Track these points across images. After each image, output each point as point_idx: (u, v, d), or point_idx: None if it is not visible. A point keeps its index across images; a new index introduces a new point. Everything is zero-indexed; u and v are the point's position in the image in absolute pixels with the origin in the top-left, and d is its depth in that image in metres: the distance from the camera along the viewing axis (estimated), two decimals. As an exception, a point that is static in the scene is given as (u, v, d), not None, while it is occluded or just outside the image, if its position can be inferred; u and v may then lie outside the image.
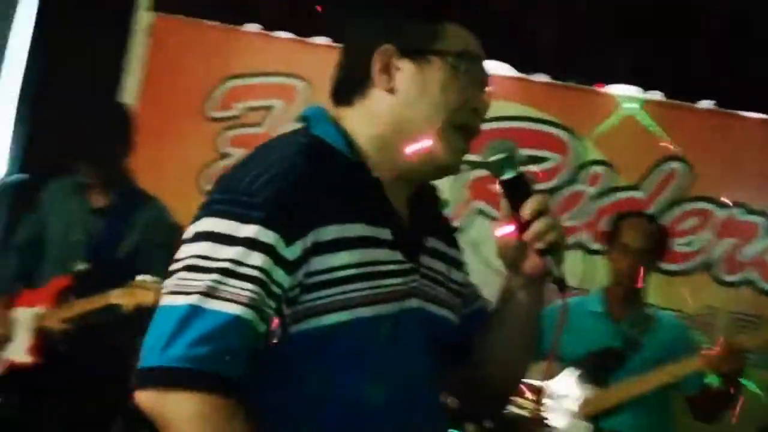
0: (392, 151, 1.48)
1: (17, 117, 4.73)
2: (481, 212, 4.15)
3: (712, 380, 2.98)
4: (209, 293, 1.31)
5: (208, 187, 4.17)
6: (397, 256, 1.46)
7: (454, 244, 1.60)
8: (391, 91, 1.48)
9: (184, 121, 4.37)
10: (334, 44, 4.21)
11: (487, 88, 1.53)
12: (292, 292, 1.36)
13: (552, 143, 4.18)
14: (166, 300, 1.34)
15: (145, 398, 1.29)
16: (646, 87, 4.13)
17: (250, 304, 1.31)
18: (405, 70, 1.48)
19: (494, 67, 4.14)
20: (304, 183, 1.38)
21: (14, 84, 4.81)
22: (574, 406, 3.10)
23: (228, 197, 1.37)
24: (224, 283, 1.31)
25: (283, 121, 4.25)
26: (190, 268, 1.33)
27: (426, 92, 1.47)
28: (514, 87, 4.18)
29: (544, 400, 3.11)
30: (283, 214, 1.34)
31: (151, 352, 1.30)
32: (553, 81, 4.19)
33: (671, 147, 4.08)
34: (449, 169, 1.51)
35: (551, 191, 4.16)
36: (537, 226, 1.44)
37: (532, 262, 1.49)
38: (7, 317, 3.11)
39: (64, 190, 3.27)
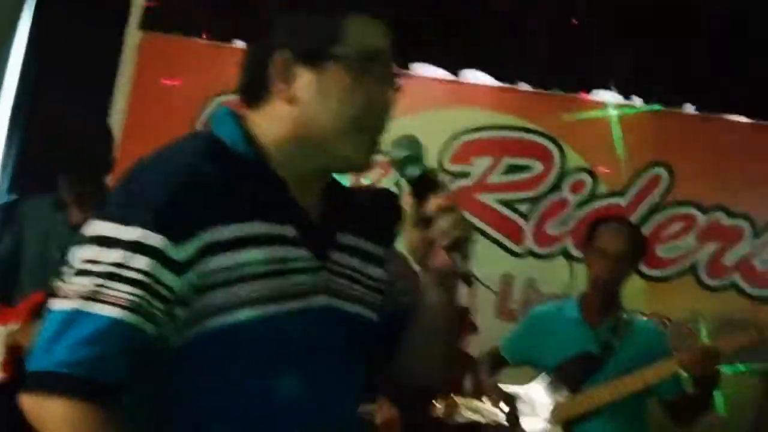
0: (296, 151, 1.48)
1: (9, 135, 4.82)
2: (463, 222, 4.18)
3: (686, 383, 3.00)
4: (91, 297, 1.31)
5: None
6: (303, 252, 1.46)
7: (377, 239, 1.59)
8: (290, 101, 1.46)
9: (172, 138, 4.41)
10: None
11: (394, 82, 1.50)
12: (185, 293, 1.35)
13: (535, 151, 4.21)
14: (54, 304, 1.34)
15: (25, 402, 1.30)
16: (627, 93, 4.15)
17: (131, 308, 1.31)
18: (304, 78, 1.45)
19: (476, 77, 4.19)
20: (194, 184, 1.37)
21: (8, 102, 4.92)
22: (548, 412, 3.12)
23: (117, 200, 1.38)
24: (106, 287, 1.31)
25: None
26: (77, 273, 1.34)
27: (326, 100, 1.46)
28: (496, 96, 4.22)
29: (518, 406, 3.13)
30: (171, 216, 1.34)
31: (34, 356, 1.31)
32: (535, 90, 4.21)
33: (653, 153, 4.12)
34: (356, 168, 1.52)
35: (535, 199, 4.20)
36: (440, 222, 1.45)
37: (439, 259, 1.49)
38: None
39: (42, 207, 3.32)
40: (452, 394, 3.24)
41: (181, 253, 1.34)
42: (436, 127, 4.18)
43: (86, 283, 1.32)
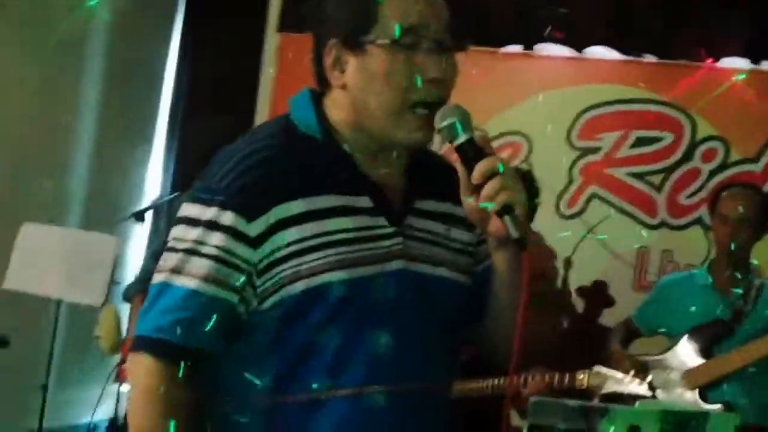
0: (358, 133, 1.53)
1: (168, 138, 5.21)
2: (595, 196, 4.22)
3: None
4: (175, 270, 1.47)
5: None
6: (380, 221, 1.51)
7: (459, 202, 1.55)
8: (343, 87, 1.51)
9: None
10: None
11: (446, 52, 1.49)
12: (263, 264, 1.46)
13: (665, 122, 4.19)
14: (153, 278, 1.51)
15: (127, 361, 1.52)
16: (757, 58, 4.09)
17: (208, 279, 1.45)
18: (351, 65, 1.49)
19: (600, 52, 4.22)
20: (264, 164, 1.48)
21: (165, 108, 5.31)
22: (681, 379, 3.16)
23: (201, 185, 1.51)
24: (187, 261, 1.46)
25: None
26: (168, 249, 1.49)
27: (370, 84, 1.48)
28: (622, 70, 4.23)
29: (652, 375, 3.18)
30: (242, 195, 1.45)
31: (137, 324, 1.50)
32: (661, 60, 4.20)
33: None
34: (415, 145, 1.53)
35: (666, 171, 4.19)
36: (487, 188, 1.43)
37: (493, 224, 1.47)
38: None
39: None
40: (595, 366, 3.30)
41: (254, 228, 1.45)
42: (564, 104, 4.24)
43: (173, 259, 1.48)
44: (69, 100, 4.67)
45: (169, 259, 1.49)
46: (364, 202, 1.52)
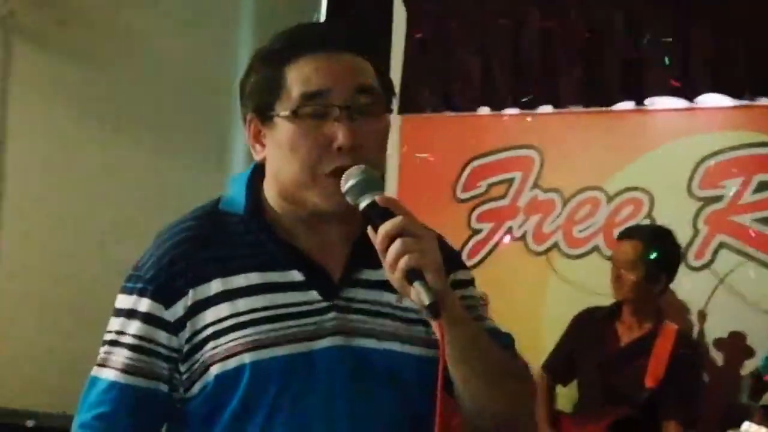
0: (284, 204, 1.47)
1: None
2: (723, 245, 4.17)
3: None
4: (100, 363, 1.47)
5: (468, 262, 4.58)
6: (311, 295, 1.43)
7: None
8: (264, 159, 1.48)
9: (438, 204, 4.80)
10: (556, 111, 4.49)
11: (360, 115, 1.40)
12: (184, 350, 1.42)
13: (787, 164, 4.12)
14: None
15: None
16: None
17: (127, 369, 1.43)
18: (267, 138, 1.46)
19: (712, 99, 4.22)
20: (181, 246, 1.44)
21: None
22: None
23: (128, 274, 1.49)
24: (110, 353, 1.45)
25: (523, 191, 4.58)
26: (102, 343, 1.49)
27: (282, 154, 1.43)
28: (736, 115, 4.19)
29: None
30: (159, 282, 1.43)
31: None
32: (776, 102, 4.15)
33: None
34: (330, 214, 1.44)
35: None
36: (389, 254, 1.31)
37: (411, 293, 1.32)
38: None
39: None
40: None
41: (171, 313, 1.42)
42: (681, 155, 4.23)
43: (101, 352, 1.48)
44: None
45: (100, 353, 1.49)
46: (294, 276, 1.44)
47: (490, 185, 4.68)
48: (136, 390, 1.44)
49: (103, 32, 4.55)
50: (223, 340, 1.42)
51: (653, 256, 3.65)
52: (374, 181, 1.39)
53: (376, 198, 1.36)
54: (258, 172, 1.52)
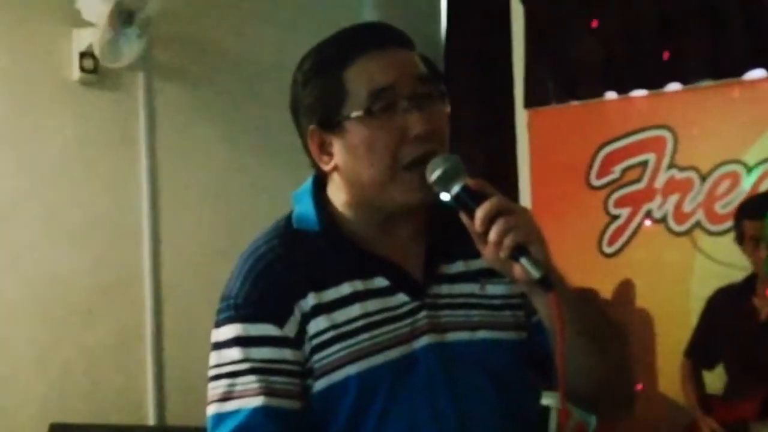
0: (362, 212, 1.48)
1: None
2: None
3: None
4: (225, 398, 1.42)
5: (609, 249, 4.58)
6: (400, 298, 1.46)
7: None
8: (336, 169, 1.48)
9: (573, 194, 4.81)
10: (685, 87, 4.43)
11: (427, 103, 1.42)
12: (309, 362, 1.43)
13: None
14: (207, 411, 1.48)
15: None
16: None
17: (266, 393, 1.40)
18: (335, 145, 1.46)
19: None
20: (273, 268, 1.45)
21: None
22: None
23: (222, 306, 1.49)
24: (234, 384, 1.42)
25: (659, 172, 4.53)
26: (210, 378, 1.47)
27: (357, 160, 1.44)
28: None
29: None
30: (263, 303, 1.43)
31: None
32: None
33: None
34: (415, 207, 1.46)
35: None
36: (492, 234, 1.33)
37: (515, 270, 1.35)
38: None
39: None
40: None
41: (289, 330, 1.43)
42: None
43: (218, 387, 1.44)
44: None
45: (213, 388, 1.46)
46: (380, 282, 1.47)
47: (624, 170, 4.64)
48: (281, 411, 1.42)
49: (235, 62, 4.79)
50: (325, 353, 1.44)
51: None
52: (460, 166, 1.41)
53: (468, 182, 1.38)
54: (319, 184, 1.54)
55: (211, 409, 1.46)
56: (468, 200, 1.37)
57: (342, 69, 1.45)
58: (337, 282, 1.46)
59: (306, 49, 1.54)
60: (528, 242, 1.33)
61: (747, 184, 4.24)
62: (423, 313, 1.47)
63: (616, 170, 4.67)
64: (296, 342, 1.44)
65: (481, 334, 1.49)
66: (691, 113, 4.46)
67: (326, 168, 1.50)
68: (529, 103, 5.02)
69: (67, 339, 4.26)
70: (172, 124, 4.64)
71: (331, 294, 1.45)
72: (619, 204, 4.66)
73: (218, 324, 1.49)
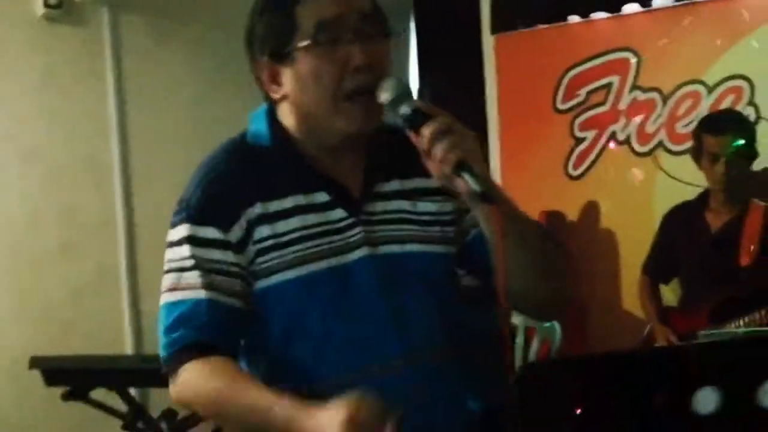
0: (307, 134, 1.58)
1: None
2: None
3: None
4: (173, 288, 1.56)
5: (575, 172, 4.65)
6: (338, 213, 1.56)
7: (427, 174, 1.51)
8: (285, 98, 1.58)
9: (538, 118, 4.87)
10: (644, 9, 4.48)
11: (373, 36, 1.52)
12: (252, 265, 1.54)
13: None
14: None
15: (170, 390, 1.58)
16: None
17: (209, 287, 1.53)
18: (284, 75, 1.56)
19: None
20: (225, 178, 1.57)
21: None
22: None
23: (176, 209, 1.60)
24: (181, 278, 1.55)
25: (623, 94, 4.60)
26: (163, 272, 1.59)
27: (304, 87, 1.53)
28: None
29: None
30: (212, 209, 1.55)
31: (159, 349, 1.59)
32: None
33: None
34: (357, 133, 1.56)
35: None
36: (436, 151, 1.42)
37: (458, 185, 1.44)
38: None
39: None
40: None
41: (233, 235, 1.54)
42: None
43: (168, 279, 1.57)
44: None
45: (165, 281, 1.58)
46: (321, 197, 1.57)
47: (589, 93, 4.71)
48: (222, 305, 1.54)
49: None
50: (265, 258, 1.55)
51: (738, 143, 3.65)
52: (409, 90, 1.51)
53: (420, 105, 1.48)
54: (271, 110, 1.63)
55: (161, 300, 1.58)
56: (418, 119, 1.46)
57: (294, 4, 1.55)
58: (282, 195, 1.56)
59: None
60: (471, 159, 1.42)
61: (707, 104, 4.32)
62: (358, 228, 1.58)
63: (582, 93, 4.74)
64: (239, 246, 1.55)
65: (410, 247, 1.59)
66: (652, 34, 4.51)
67: (276, 96, 1.60)
68: (495, 29, 5.05)
69: (46, 276, 4.32)
70: (139, 57, 4.64)
71: (275, 206, 1.56)
72: (584, 127, 4.74)
73: (172, 224, 1.60)
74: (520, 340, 4.15)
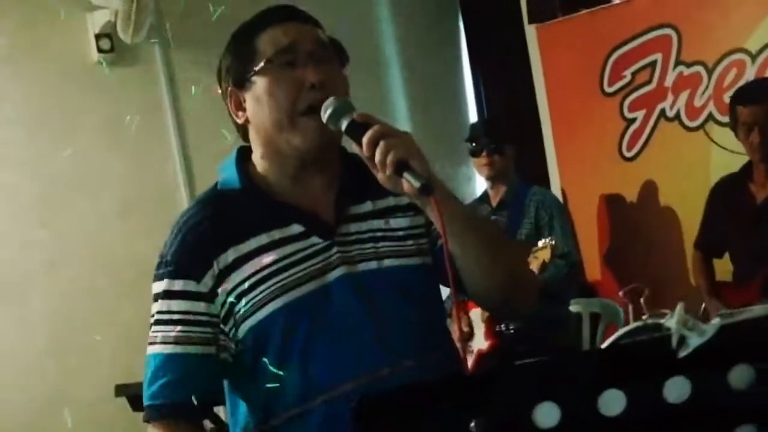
0: (272, 161, 1.65)
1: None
2: None
3: None
4: (152, 342, 1.64)
5: (629, 153, 4.66)
6: (313, 241, 1.62)
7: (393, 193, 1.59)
8: (247, 122, 1.65)
9: (588, 103, 4.91)
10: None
11: (328, 60, 1.61)
12: (222, 313, 1.60)
13: None
14: None
15: None
16: None
17: (179, 341, 1.60)
18: (247, 101, 1.65)
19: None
20: (197, 228, 1.63)
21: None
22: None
23: (157, 264, 1.67)
24: (158, 332, 1.63)
25: (667, 71, 4.59)
26: (150, 325, 1.67)
27: (261, 109, 1.61)
28: None
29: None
30: (185, 262, 1.61)
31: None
32: None
33: None
34: (312, 151, 1.62)
35: None
36: (376, 157, 1.48)
37: (403, 187, 1.50)
38: (469, 317, 3.79)
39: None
40: None
41: (204, 285, 1.61)
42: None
43: (150, 333, 1.65)
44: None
45: (150, 334, 1.66)
46: (295, 229, 1.63)
47: (634, 73, 4.73)
48: (190, 357, 1.62)
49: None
50: (251, 295, 1.61)
51: None
52: (348, 105, 1.57)
53: (354, 116, 1.55)
54: (243, 153, 1.72)
55: (147, 351, 1.67)
56: (356, 131, 1.53)
57: (255, 35, 1.65)
58: (256, 233, 1.63)
59: (312, 12, 1.73)
60: (408, 157, 1.49)
61: (752, 71, 4.29)
62: (334, 250, 1.63)
63: (627, 74, 4.76)
64: (210, 295, 1.62)
65: (388, 262, 1.65)
66: (690, 8, 4.50)
67: (240, 121, 1.68)
68: (533, 19, 5.09)
69: (126, 304, 4.52)
70: (193, 89, 4.79)
71: (252, 244, 1.62)
72: (633, 107, 4.75)
73: (153, 280, 1.68)
74: (585, 325, 4.19)
